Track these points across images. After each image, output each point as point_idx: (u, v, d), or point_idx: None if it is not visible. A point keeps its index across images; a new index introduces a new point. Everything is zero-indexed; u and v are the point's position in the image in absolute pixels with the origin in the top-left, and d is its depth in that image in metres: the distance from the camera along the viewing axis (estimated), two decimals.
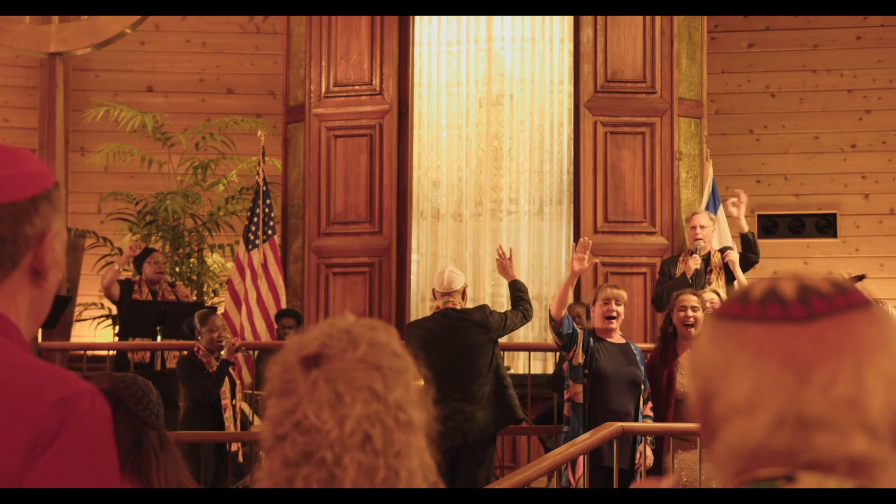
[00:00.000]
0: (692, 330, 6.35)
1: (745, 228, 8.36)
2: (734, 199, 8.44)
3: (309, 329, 1.64)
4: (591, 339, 6.43)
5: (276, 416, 1.56)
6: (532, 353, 8.60)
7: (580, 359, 6.37)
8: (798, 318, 1.18)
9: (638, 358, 6.51)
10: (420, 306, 9.20)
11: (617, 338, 6.53)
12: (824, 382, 1.15)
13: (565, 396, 6.51)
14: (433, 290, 7.06)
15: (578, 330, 6.42)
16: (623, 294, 6.60)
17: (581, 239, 6.81)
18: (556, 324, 6.36)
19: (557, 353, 7.52)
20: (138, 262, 9.46)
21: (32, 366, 1.56)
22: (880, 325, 1.19)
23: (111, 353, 9.07)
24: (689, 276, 8.04)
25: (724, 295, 7.32)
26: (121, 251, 11.08)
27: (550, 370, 8.46)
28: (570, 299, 7.41)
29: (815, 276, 1.23)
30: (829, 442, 1.15)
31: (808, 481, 1.14)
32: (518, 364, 9.02)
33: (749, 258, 8.26)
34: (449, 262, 9.18)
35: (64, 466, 1.48)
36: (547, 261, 9.21)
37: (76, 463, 1.49)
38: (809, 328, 1.17)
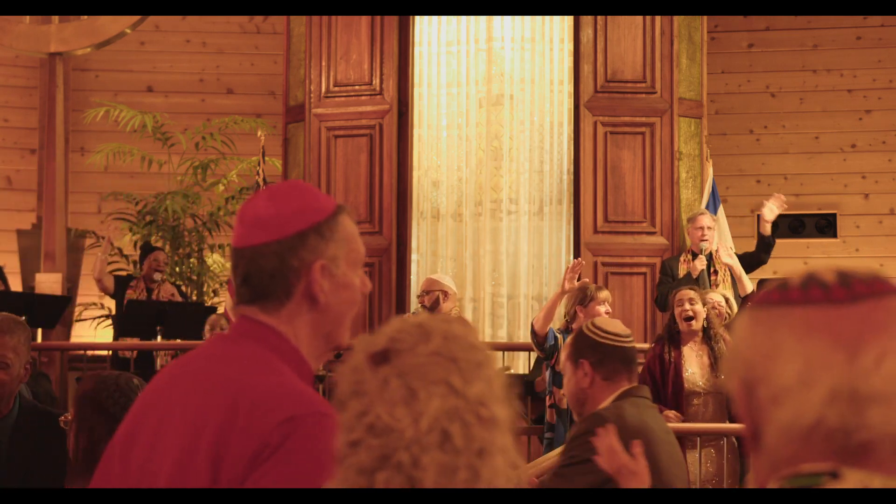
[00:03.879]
0: (692, 323, 6.35)
1: (769, 231, 8.45)
2: (772, 207, 8.47)
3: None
4: None
5: (347, 422, 1.42)
6: (532, 353, 8.59)
7: None
8: (840, 301, 1.20)
9: None
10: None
11: None
12: (875, 359, 1.16)
13: (548, 402, 6.52)
14: (446, 291, 7.06)
15: (558, 335, 6.46)
16: (610, 296, 6.70)
17: (575, 260, 6.87)
18: (538, 338, 6.46)
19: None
20: (142, 259, 9.62)
21: (275, 384, 1.65)
22: None
23: (111, 352, 9.07)
24: (694, 277, 8.04)
25: (730, 296, 7.32)
26: (121, 251, 11.08)
27: None
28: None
29: (851, 267, 1.25)
30: (882, 418, 1.16)
31: (853, 479, 1.15)
32: (518, 364, 9.02)
33: (762, 258, 8.42)
34: (449, 262, 9.18)
35: (275, 479, 1.57)
36: (547, 261, 9.20)
37: (287, 478, 1.57)
38: (853, 309, 1.19)
